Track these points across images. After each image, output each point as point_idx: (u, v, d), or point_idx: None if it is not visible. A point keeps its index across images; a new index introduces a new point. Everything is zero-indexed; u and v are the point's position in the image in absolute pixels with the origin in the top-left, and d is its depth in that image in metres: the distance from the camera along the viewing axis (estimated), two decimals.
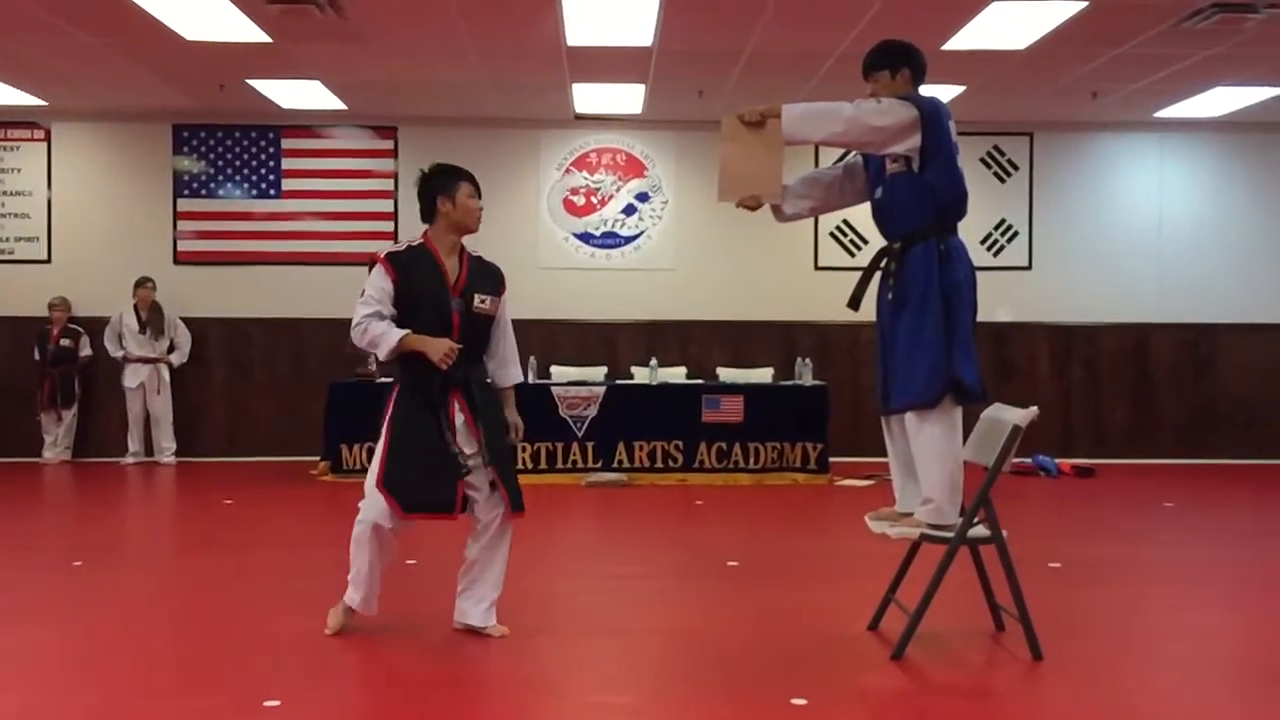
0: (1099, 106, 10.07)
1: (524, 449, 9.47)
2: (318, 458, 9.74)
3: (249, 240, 10.94)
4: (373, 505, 4.58)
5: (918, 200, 4.47)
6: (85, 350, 10.64)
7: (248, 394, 10.93)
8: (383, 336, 4.49)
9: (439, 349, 4.44)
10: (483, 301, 4.63)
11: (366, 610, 4.74)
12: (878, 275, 4.63)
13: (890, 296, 4.53)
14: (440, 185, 4.67)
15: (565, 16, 7.55)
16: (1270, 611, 5.38)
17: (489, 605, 4.72)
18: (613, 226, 11.08)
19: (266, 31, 7.90)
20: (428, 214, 4.70)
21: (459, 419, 4.58)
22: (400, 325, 4.53)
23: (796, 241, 10.89)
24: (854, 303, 4.72)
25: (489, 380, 4.76)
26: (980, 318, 4.61)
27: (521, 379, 4.92)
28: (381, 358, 4.58)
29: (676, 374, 10.36)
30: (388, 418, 4.61)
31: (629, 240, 11.09)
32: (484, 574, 4.70)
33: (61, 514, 8.66)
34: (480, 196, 4.77)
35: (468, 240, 4.77)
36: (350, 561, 4.68)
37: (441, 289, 4.57)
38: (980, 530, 4.45)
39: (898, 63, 4.61)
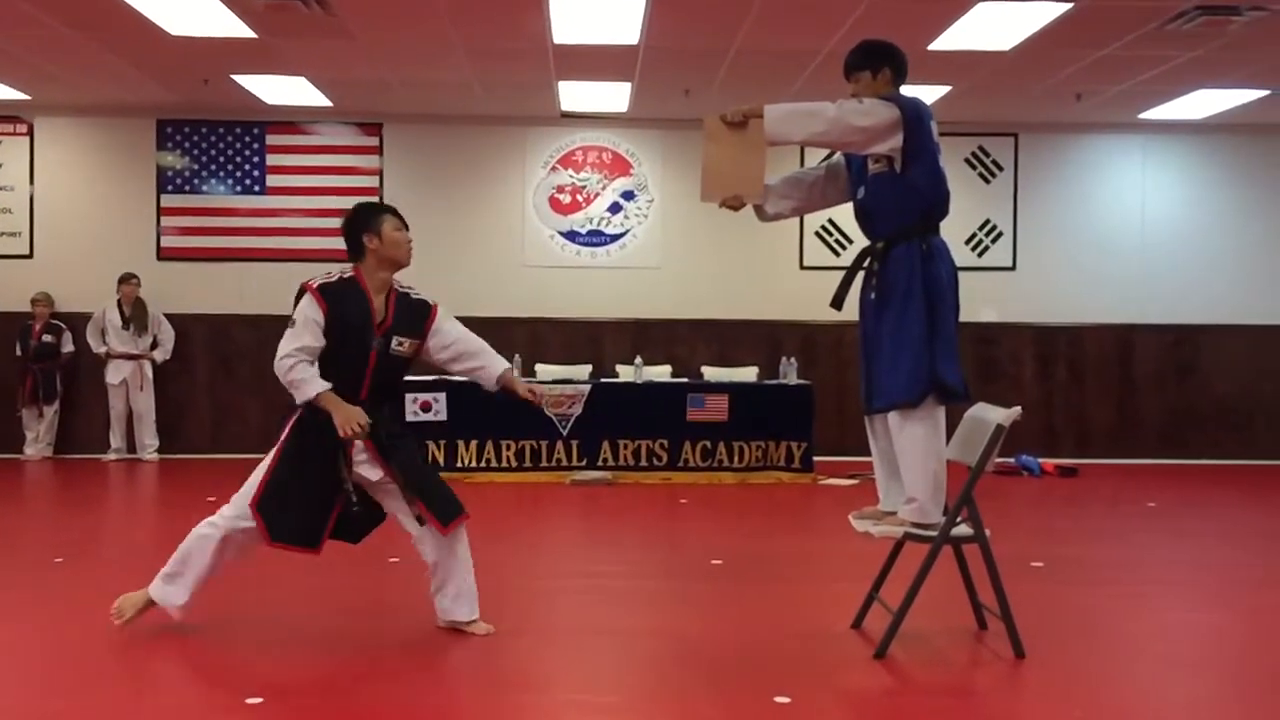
0: (1083, 108, 10.11)
1: (508, 447, 9.47)
2: None
3: (233, 237, 10.90)
4: (238, 516, 4.51)
5: (900, 200, 4.48)
6: (68, 346, 10.59)
7: (231, 391, 10.89)
8: (304, 384, 4.43)
9: (346, 421, 4.36)
10: (400, 344, 4.59)
11: (183, 614, 4.61)
12: (861, 275, 4.65)
13: (873, 296, 4.54)
14: (364, 223, 4.65)
15: (552, 14, 7.54)
16: (1253, 611, 5.41)
17: (467, 597, 4.68)
18: (598, 225, 11.08)
19: (252, 27, 7.87)
20: (356, 253, 4.65)
21: (359, 452, 4.51)
22: (321, 358, 4.49)
23: (781, 241, 10.91)
24: (837, 303, 4.72)
25: (396, 413, 4.73)
26: (964, 318, 4.62)
27: (507, 365, 4.84)
28: (295, 402, 4.52)
29: (661, 373, 10.37)
30: (280, 442, 4.56)
31: (615, 239, 11.09)
32: (451, 570, 4.66)
33: (43, 510, 8.62)
34: (407, 229, 4.73)
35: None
36: (179, 556, 4.56)
37: (367, 326, 4.53)
38: (963, 529, 4.47)
39: (879, 63, 4.62)
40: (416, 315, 4.69)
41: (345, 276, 4.62)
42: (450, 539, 4.63)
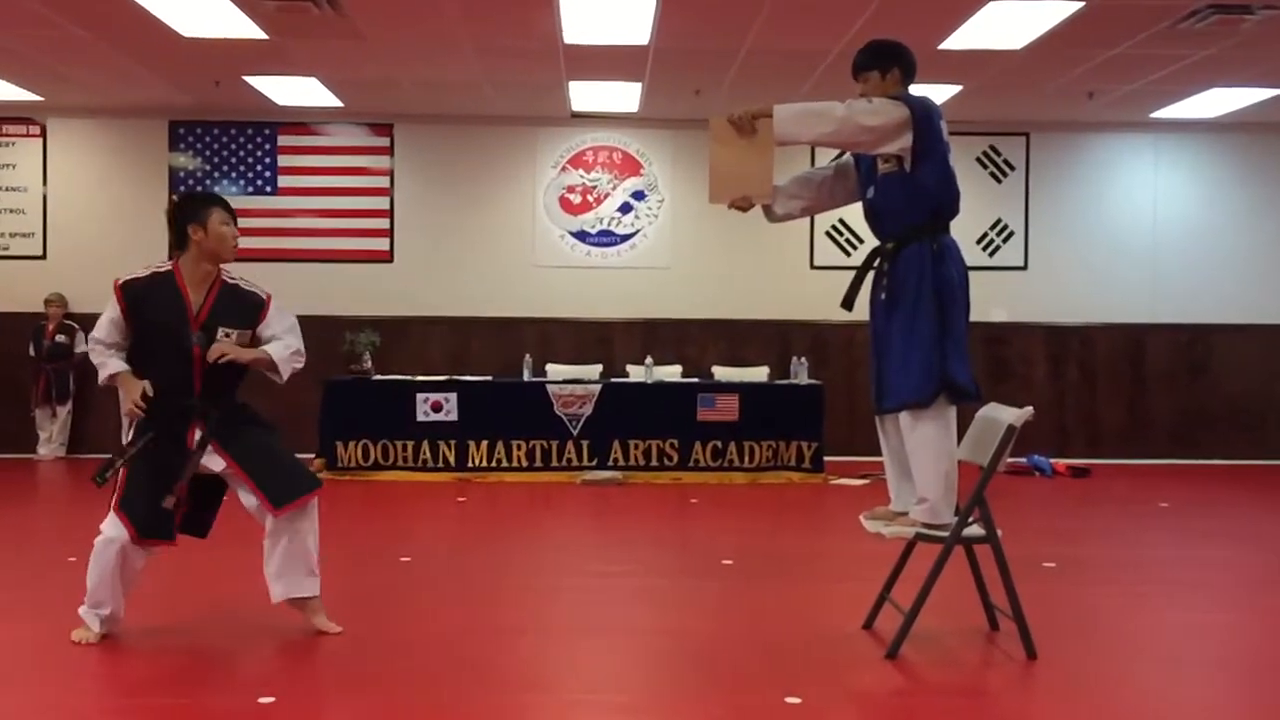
0: (1095, 107, 10.08)
1: (519, 447, 9.47)
2: (313, 455, 9.73)
3: (244, 237, 10.54)
4: (115, 524, 4.53)
5: (909, 200, 4.48)
6: (81, 347, 10.62)
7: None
8: (102, 367, 4.55)
9: (127, 400, 4.44)
10: (228, 335, 4.54)
11: (114, 626, 4.59)
12: (871, 275, 4.65)
13: (883, 297, 4.54)
14: (192, 213, 4.60)
15: (562, 14, 7.55)
16: (1265, 611, 5.39)
17: (295, 572, 4.59)
18: (609, 225, 11.08)
19: (263, 28, 7.89)
20: (180, 242, 4.61)
21: (196, 440, 4.52)
22: (136, 355, 4.51)
23: (792, 240, 10.90)
24: (847, 303, 4.72)
25: (239, 404, 4.70)
26: (976, 318, 4.62)
27: (286, 352, 4.66)
28: (99, 384, 4.61)
29: (672, 372, 10.36)
30: (130, 439, 4.57)
31: (625, 239, 11.09)
32: (276, 545, 4.58)
33: (56, 510, 8.66)
34: (235, 224, 4.69)
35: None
36: (89, 579, 4.53)
37: (180, 321, 4.50)
38: (975, 530, 4.46)
39: (887, 63, 4.61)
40: (246, 306, 4.66)
41: (159, 272, 4.60)
42: (289, 524, 4.57)
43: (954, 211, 4.56)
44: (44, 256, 10.94)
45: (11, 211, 10.93)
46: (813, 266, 11.09)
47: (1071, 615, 5.12)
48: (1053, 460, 10.15)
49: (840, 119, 4.37)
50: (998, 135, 11.07)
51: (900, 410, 4.48)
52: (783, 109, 4.40)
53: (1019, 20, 7.58)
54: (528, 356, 9.99)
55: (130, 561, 4.55)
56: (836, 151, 4.91)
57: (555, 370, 10.25)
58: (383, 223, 10.95)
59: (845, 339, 10.69)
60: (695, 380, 10.09)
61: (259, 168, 10.95)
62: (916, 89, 4.64)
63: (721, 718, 3.84)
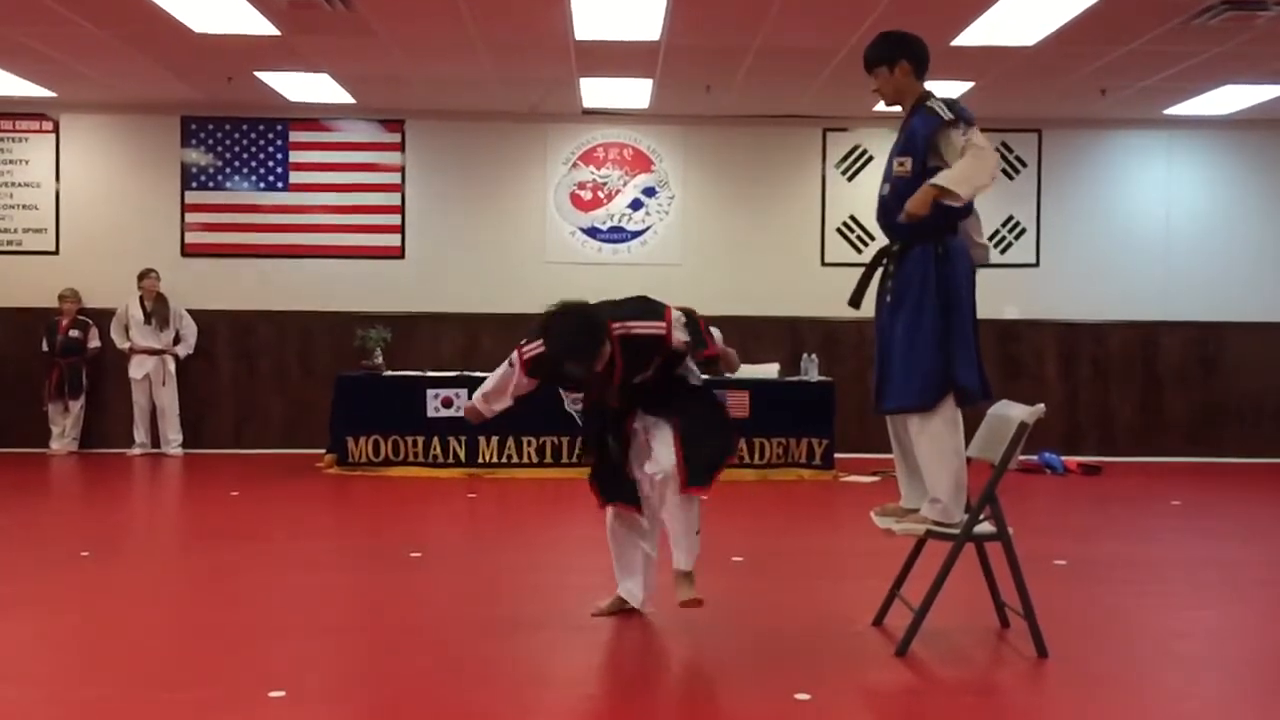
0: (1108, 104, 10.04)
1: (529, 443, 9.48)
2: (324, 450, 9.75)
3: (256, 233, 10.94)
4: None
5: None
6: (94, 341, 10.66)
7: (254, 386, 10.94)
8: None
9: None
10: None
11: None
12: (878, 276, 4.63)
13: (888, 299, 4.53)
14: None
15: (573, 11, 7.54)
16: (1277, 610, 5.37)
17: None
18: (620, 221, 11.07)
19: (275, 24, 7.90)
20: None
21: None
22: None
23: (803, 237, 10.89)
24: (855, 301, 4.72)
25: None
26: (988, 315, 4.61)
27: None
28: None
29: None
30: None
31: (636, 235, 11.08)
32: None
33: (69, 505, 8.69)
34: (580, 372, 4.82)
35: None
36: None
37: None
38: (986, 527, 4.45)
39: (895, 55, 4.56)
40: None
41: None
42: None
43: (963, 214, 4.52)
44: (57, 252, 10.96)
45: (24, 207, 10.96)
46: (824, 263, 11.06)
47: (1083, 613, 5.11)
48: (1064, 458, 10.12)
49: (991, 156, 4.33)
50: (1010, 132, 11.02)
51: (898, 413, 4.48)
52: (952, 180, 4.25)
53: (1031, 17, 7.54)
54: None
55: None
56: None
57: None
58: (394, 219, 10.96)
59: (856, 336, 10.65)
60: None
61: (270, 164, 10.97)
62: (928, 86, 4.61)
63: (731, 714, 3.84)
